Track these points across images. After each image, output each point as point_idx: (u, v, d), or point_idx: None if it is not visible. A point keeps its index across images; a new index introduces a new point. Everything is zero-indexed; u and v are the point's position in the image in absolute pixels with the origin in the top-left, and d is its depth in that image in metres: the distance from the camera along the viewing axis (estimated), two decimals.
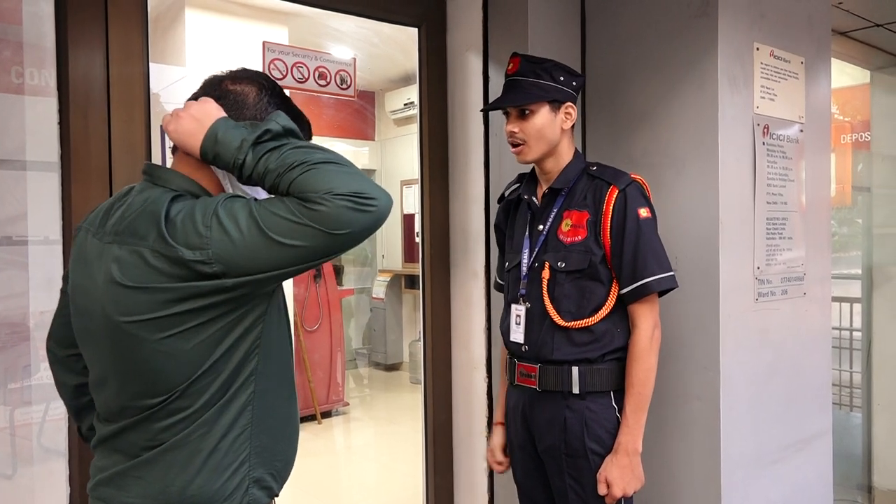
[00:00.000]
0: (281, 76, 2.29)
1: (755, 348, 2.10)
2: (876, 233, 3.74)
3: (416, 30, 2.42)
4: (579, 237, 1.71)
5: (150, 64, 1.80)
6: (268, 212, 1.00)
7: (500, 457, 1.92)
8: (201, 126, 1.08)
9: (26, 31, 1.68)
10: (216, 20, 3.72)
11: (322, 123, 5.93)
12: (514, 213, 1.91)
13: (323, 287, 5.15)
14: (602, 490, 1.66)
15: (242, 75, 1.19)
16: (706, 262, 1.99)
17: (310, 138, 1.22)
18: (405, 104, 5.85)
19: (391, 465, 4.43)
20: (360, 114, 6.50)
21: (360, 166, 1.08)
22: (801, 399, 2.29)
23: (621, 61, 2.22)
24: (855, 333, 3.84)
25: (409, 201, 6.23)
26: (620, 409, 1.70)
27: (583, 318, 1.70)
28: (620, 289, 1.70)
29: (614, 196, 1.70)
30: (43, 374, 1.72)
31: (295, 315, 4.82)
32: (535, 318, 1.75)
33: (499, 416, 1.95)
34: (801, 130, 2.27)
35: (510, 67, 1.78)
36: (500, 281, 1.98)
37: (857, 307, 3.78)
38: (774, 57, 2.16)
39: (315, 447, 4.63)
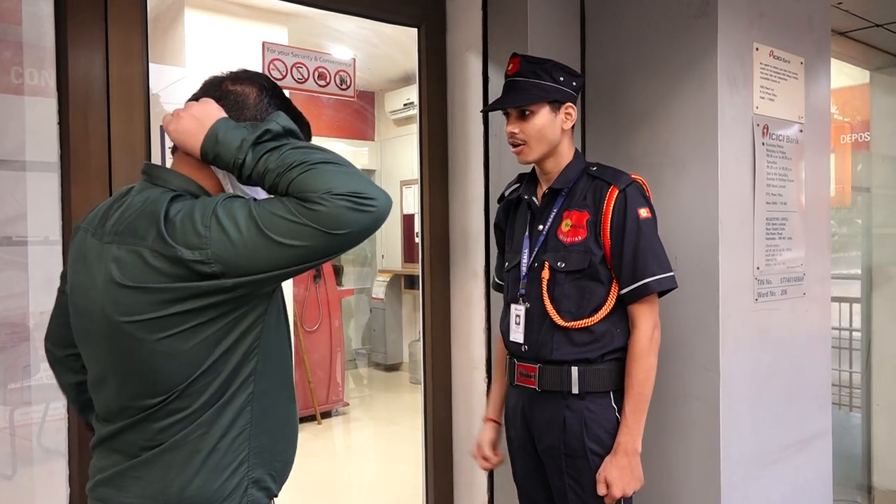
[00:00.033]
0: (280, 76, 2.29)
1: (755, 348, 2.10)
2: (875, 233, 3.74)
3: (415, 30, 2.42)
4: (579, 237, 1.71)
5: (150, 64, 1.80)
6: (267, 212, 1.00)
7: (487, 452, 1.89)
8: (202, 126, 1.08)
9: (26, 32, 1.68)
10: (216, 20, 3.72)
11: (322, 124, 5.93)
12: (514, 213, 1.91)
13: (323, 287, 5.15)
14: (601, 490, 1.66)
15: (243, 76, 1.19)
16: (706, 262, 1.99)
17: (309, 139, 1.23)
18: (405, 104, 5.85)
19: (391, 465, 4.43)
20: (360, 114, 6.50)
21: (359, 166, 1.08)
22: (800, 399, 2.29)
23: (621, 61, 2.22)
24: (854, 333, 3.84)
25: (409, 201, 6.23)
26: (620, 410, 1.70)
27: (582, 319, 1.70)
28: (620, 289, 1.70)
29: (614, 196, 1.70)
30: (43, 374, 1.72)
31: (295, 315, 4.82)
32: (535, 318, 1.75)
33: (490, 412, 1.94)
34: (801, 130, 2.27)
35: (510, 68, 1.78)
36: (498, 280, 1.98)
37: (857, 307, 3.78)
38: (774, 57, 2.16)
39: (315, 447, 4.63)
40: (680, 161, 2.06)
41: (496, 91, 2.28)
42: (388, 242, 6.58)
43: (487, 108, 1.86)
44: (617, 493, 1.65)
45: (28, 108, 1.68)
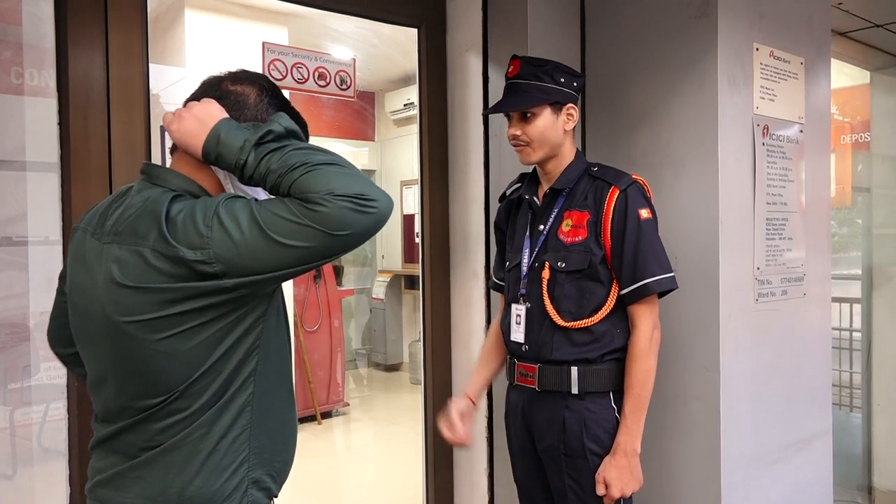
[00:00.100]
0: (281, 77, 2.29)
1: (755, 348, 2.10)
2: (876, 233, 3.74)
3: (415, 30, 2.42)
4: (580, 237, 1.71)
5: (150, 64, 1.80)
6: (269, 212, 1.00)
7: (453, 416, 1.80)
8: (204, 126, 1.08)
9: (26, 32, 1.68)
10: (216, 21, 3.72)
11: (322, 124, 5.93)
12: (515, 213, 1.91)
13: (323, 287, 5.15)
14: (600, 490, 1.66)
15: (242, 76, 1.19)
16: (706, 263, 1.99)
17: (307, 139, 1.23)
18: (405, 105, 5.85)
19: (391, 465, 4.43)
20: (360, 114, 6.50)
21: (359, 167, 1.08)
22: (801, 399, 2.29)
23: (621, 61, 2.22)
24: (855, 334, 3.84)
25: (409, 202, 6.23)
26: (619, 410, 1.70)
27: (582, 319, 1.70)
28: (620, 289, 1.70)
29: (615, 197, 1.70)
30: (43, 374, 1.72)
31: (295, 315, 4.82)
32: (535, 318, 1.75)
33: (468, 388, 1.89)
34: (801, 131, 2.27)
35: (510, 70, 1.78)
36: (496, 280, 1.98)
37: (857, 307, 3.78)
38: (774, 57, 2.16)
39: (315, 447, 4.63)
40: (680, 161, 2.06)
41: (496, 91, 2.29)
42: (388, 243, 6.58)
43: (488, 111, 1.86)
44: (616, 493, 1.64)
45: (28, 109, 1.68)
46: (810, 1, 2.32)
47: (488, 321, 2.34)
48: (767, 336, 2.15)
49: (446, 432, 1.82)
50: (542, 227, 1.78)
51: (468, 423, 1.84)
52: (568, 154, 1.79)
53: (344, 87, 2.44)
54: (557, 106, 1.74)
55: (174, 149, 1.17)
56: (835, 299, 2.73)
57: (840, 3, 2.75)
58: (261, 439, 1.14)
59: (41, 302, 1.67)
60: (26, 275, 1.69)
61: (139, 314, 1.03)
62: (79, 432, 1.68)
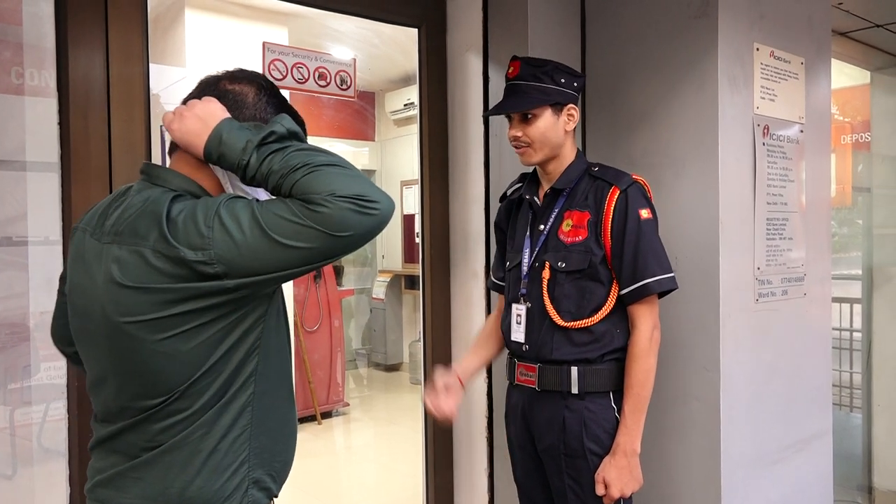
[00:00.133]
0: (281, 77, 2.29)
1: (755, 349, 2.10)
2: (876, 233, 3.74)
3: (416, 30, 2.42)
4: (580, 237, 1.71)
5: (150, 64, 1.80)
6: (270, 213, 1.00)
7: (439, 389, 1.77)
8: (206, 126, 1.08)
9: (26, 32, 1.68)
10: (216, 21, 3.73)
11: (322, 124, 5.93)
12: (515, 213, 1.91)
13: (323, 287, 5.15)
14: (600, 490, 1.66)
15: (240, 75, 1.19)
16: (706, 263, 1.99)
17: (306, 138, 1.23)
18: (405, 105, 5.85)
19: (391, 465, 4.43)
20: (360, 114, 6.50)
21: (359, 167, 1.08)
22: (801, 399, 2.29)
23: (621, 61, 2.22)
24: (855, 334, 3.84)
25: (409, 202, 6.23)
26: (619, 410, 1.70)
27: (582, 319, 1.70)
28: (620, 289, 1.70)
29: (615, 197, 1.70)
30: (43, 374, 1.72)
31: (295, 315, 4.82)
32: (536, 318, 1.75)
33: (459, 368, 1.85)
34: (802, 131, 2.27)
35: (510, 71, 1.78)
36: (494, 279, 1.98)
37: (858, 308, 3.78)
38: (774, 57, 2.16)
39: (315, 447, 4.63)
40: (680, 161, 2.06)
41: (496, 91, 2.29)
42: (388, 243, 6.58)
43: (489, 113, 1.85)
44: (615, 493, 1.64)
45: (28, 109, 1.68)
46: (810, 1, 2.32)
47: None
48: (767, 336, 2.14)
49: (429, 403, 1.78)
50: (542, 226, 1.78)
51: (453, 398, 1.78)
52: (569, 154, 1.79)
53: (344, 87, 2.44)
54: (558, 107, 1.74)
55: (172, 150, 1.16)
56: (835, 299, 2.73)
57: (840, 3, 2.75)
58: (261, 439, 1.13)
59: (41, 302, 1.67)
60: (26, 275, 1.69)
61: (139, 314, 1.03)
62: (79, 432, 1.68)
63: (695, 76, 2.02)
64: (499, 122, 2.27)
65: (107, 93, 1.72)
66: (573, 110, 1.76)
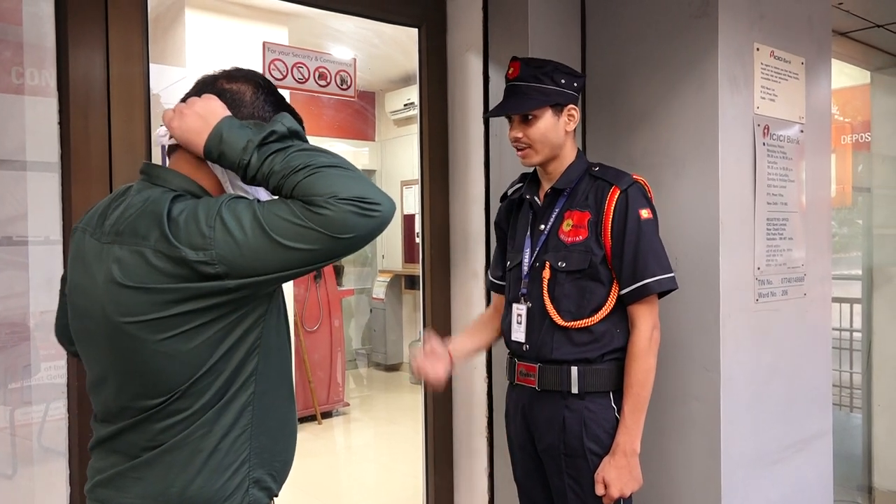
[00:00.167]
0: (281, 76, 2.29)
1: (755, 349, 2.10)
2: (876, 233, 3.74)
3: (416, 30, 2.42)
4: (580, 237, 1.71)
5: (150, 64, 1.80)
6: (272, 214, 1.00)
7: (428, 350, 1.77)
8: (206, 124, 1.07)
9: (26, 32, 1.68)
10: (216, 21, 3.73)
11: (322, 124, 5.93)
12: (516, 213, 1.91)
13: (323, 287, 5.15)
14: (599, 490, 1.66)
15: (237, 74, 1.18)
16: (706, 263, 1.99)
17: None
18: (405, 104, 5.85)
19: (391, 465, 4.43)
20: (361, 114, 6.50)
21: (360, 167, 1.08)
22: (801, 399, 2.29)
23: (621, 61, 2.22)
24: (855, 334, 3.84)
25: (410, 202, 6.23)
26: (619, 410, 1.70)
27: (582, 318, 1.70)
28: (620, 289, 1.70)
29: (616, 197, 1.70)
30: (43, 374, 1.72)
31: (295, 315, 4.82)
32: (536, 318, 1.75)
33: (452, 343, 1.84)
34: (802, 131, 2.27)
35: (510, 72, 1.78)
36: (493, 280, 1.98)
37: (858, 308, 3.78)
38: (775, 57, 2.16)
39: (315, 447, 4.63)
40: (680, 161, 2.06)
41: (496, 91, 2.29)
42: (388, 243, 6.58)
43: (489, 114, 1.85)
44: (615, 493, 1.64)
45: (28, 108, 1.68)
46: (811, 1, 2.32)
47: None
48: (768, 336, 2.14)
49: (415, 366, 1.76)
50: (542, 226, 1.78)
51: (440, 366, 1.76)
52: (569, 154, 1.79)
53: (344, 86, 2.44)
54: (558, 107, 1.74)
55: (171, 150, 1.16)
56: (835, 299, 2.73)
57: (840, 3, 2.75)
58: (261, 439, 1.13)
59: (41, 302, 1.67)
60: (26, 275, 1.69)
61: (140, 314, 1.03)
62: (79, 432, 1.68)
63: (695, 76, 2.02)
64: (499, 122, 2.27)
65: (107, 93, 1.72)
66: (573, 110, 1.76)
